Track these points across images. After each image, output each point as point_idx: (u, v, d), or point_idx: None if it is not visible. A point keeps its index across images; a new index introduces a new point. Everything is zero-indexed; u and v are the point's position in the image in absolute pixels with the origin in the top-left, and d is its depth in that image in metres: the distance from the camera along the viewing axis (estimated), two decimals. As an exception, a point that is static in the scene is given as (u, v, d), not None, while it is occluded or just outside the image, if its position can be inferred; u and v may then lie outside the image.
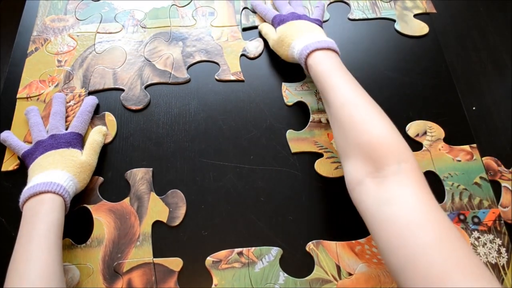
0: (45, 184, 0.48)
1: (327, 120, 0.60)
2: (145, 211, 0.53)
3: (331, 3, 0.73)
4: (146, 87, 0.63)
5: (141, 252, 0.51)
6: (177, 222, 0.53)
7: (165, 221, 0.53)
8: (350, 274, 0.49)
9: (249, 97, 0.63)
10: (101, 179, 0.56)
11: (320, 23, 0.63)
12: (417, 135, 0.59)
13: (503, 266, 0.50)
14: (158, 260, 0.50)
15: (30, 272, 0.42)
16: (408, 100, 0.62)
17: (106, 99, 0.62)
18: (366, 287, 0.49)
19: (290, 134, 0.59)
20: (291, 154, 0.58)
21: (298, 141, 0.58)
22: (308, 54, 0.54)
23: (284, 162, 0.57)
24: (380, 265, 0.50)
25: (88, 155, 0.54)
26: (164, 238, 0.52)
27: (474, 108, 0.62)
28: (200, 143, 0.58)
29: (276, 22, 0.64)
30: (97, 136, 0.57)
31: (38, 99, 0.62)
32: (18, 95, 0.62)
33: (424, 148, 0.58)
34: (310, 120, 0.60)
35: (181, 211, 0.53)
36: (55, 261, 0.43)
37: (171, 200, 0.54)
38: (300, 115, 0.61)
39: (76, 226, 0.52)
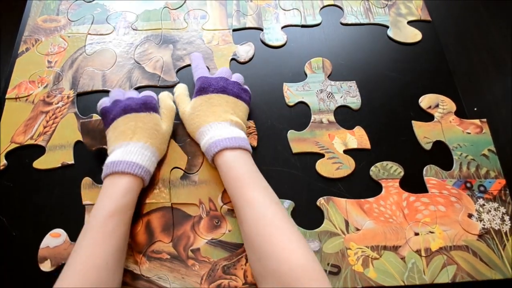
0: (127, 164, 0.47)
1: (329, 121, 0.60)
2: (164, 157, 0.55)
3: (324, 6, 0.73)
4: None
5: (159, 197, 0.53)
6: (194, 170, 0.55)
7: (183, 168, 0.55)
8: (357, 229, 0.51)
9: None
10: None
11: (246, 95, 0.57)
12: (429, 107, 0.61)
13: (505, 233, 0.52)
14: (176, 205, 0.53)
15: (76, 264, 0.41)
16: (408, 100, 0.62)
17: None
18: (372, 242, 0.50)
19: (291, 134, 0.59)
20: (292, 154, 0.58)
21: (299, 142, 0.58)
22: (217, 152, 0.49)
23: (285, 162, 0.57)
24: (387, 223, 0.52)
25: (167, 125, 0.55)
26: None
27: (475, 109, 0.61)
28: (201, 143, 0.58)
29: (197, 87, 0.56)
30: (170, 101, 0.56)
31: (26, 100, 0.61)
32: (7, 96, 0.61)
33: (435, 119, 0.60)
34: (311, 121, 0.60)
35: (199, 160, 0.55)
36: (107, 251, 0.42)
37: (189, 149, 0.56)
38: (301, 115, 0.61)
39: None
